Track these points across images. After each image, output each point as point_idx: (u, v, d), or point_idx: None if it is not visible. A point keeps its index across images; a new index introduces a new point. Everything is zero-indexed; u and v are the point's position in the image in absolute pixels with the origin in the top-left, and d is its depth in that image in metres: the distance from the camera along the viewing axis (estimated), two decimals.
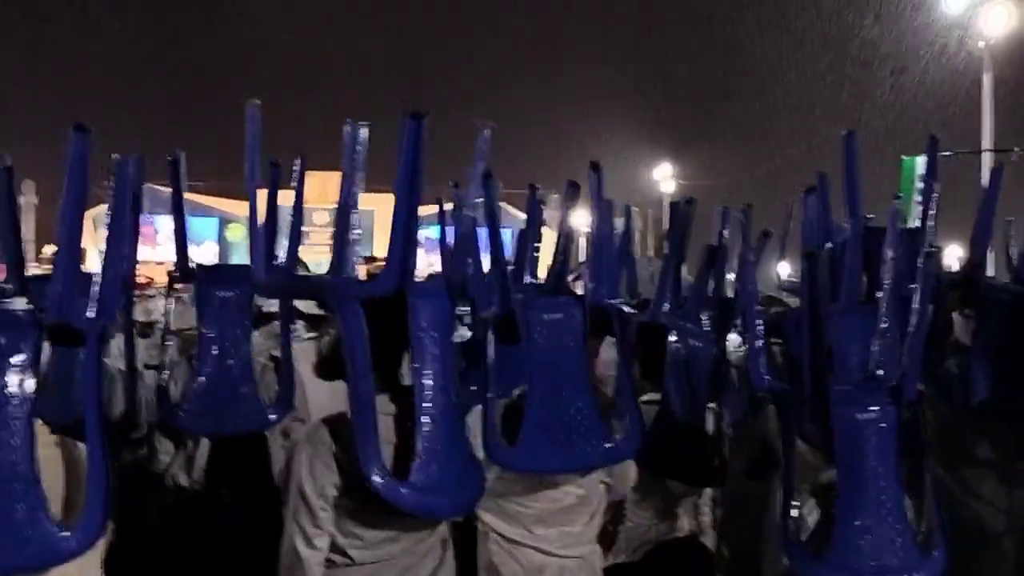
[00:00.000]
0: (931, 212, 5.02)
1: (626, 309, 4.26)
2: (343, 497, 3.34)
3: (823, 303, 3.56)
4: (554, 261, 4.38)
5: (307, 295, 4.62)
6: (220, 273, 4.54)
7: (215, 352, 4.38)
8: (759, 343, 3.76)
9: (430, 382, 3.31)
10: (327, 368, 4.63)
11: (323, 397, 4.65)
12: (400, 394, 3.37)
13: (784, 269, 5.66)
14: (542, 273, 4.74)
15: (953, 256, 5.69)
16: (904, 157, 18.13)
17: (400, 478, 3.23)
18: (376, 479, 3.17)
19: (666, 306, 4.71)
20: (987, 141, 24.38)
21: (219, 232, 39.06)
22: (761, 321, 3.84)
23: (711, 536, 4.71)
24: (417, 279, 3.54)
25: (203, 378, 4.35)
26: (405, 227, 3.38)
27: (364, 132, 3.38)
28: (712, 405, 4.61)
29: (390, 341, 3.33)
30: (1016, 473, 4.84)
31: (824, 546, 3.30)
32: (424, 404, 3.29)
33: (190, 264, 4.59)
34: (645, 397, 4.48)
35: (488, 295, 3.84)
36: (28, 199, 35.21)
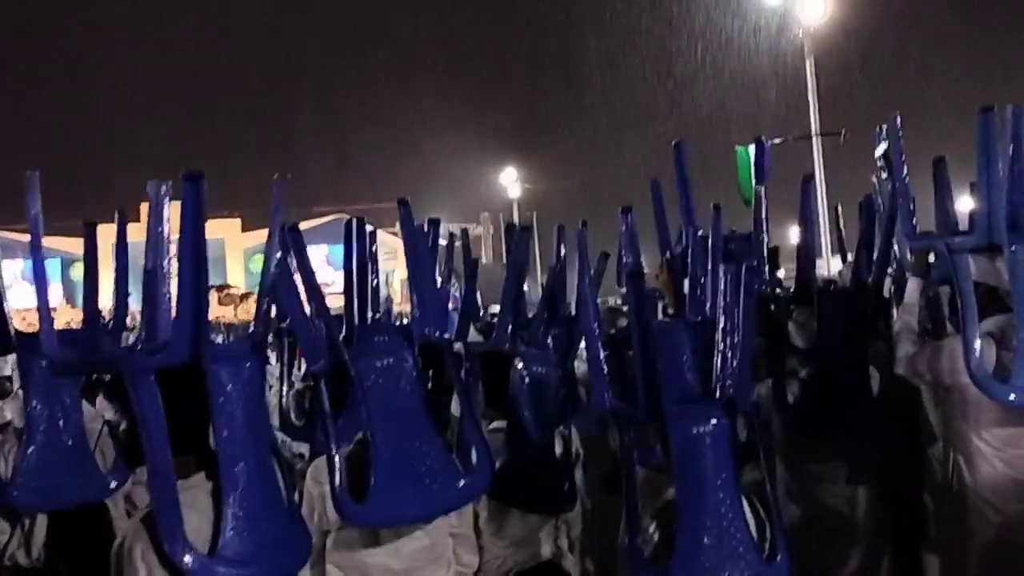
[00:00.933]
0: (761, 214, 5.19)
1: (458, 341, 4.23)
2: None
3: (650, 321, 3.60)
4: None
5: (101, 370, 4.34)
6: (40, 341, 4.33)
7: (44, 423, 4.19)
8: (599, 363, 3.77)
9: (235, 450, 3.11)
10: (134, 454, 4.19)
11: None
12: (215, 468, 3.14)
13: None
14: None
15: (796, 237, 5.89)
16: (738, 147, 18.58)
17: (213, 554, 3.04)
18: (186, 561, 2.97)
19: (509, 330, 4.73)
20: (813, 124, 25.36)
21: (62, 273, 37.83)
22: (601, 341, 3.85)
23: (571, 558, 4.72)
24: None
25: (33, 451, 4.16)
26: (193, 292, 3.13)
27: (166, 190, 3.22)
28: (560, 428, 4.63)
29: (195, 412, 3.10)
30: (856, 469, 5.04)
31: (669, 561, 3.30)
32: (230, 474, 3.09)
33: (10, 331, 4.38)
34: (492, 425, 4.48)
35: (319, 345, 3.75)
36: None
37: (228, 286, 34.05)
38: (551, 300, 4.88)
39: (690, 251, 4.49)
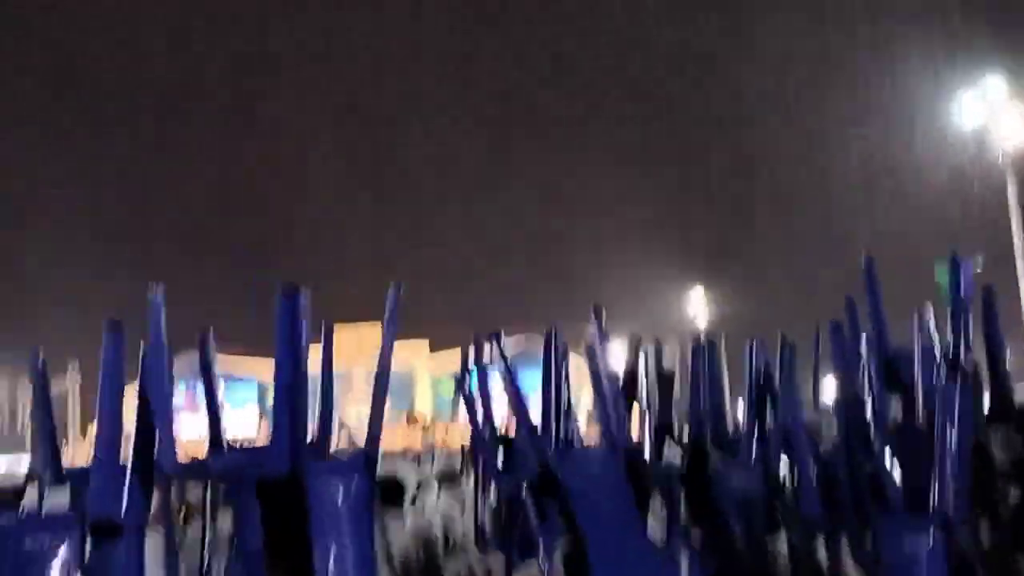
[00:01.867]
0: (964, 331, 5.04)
1: (668, 452, 4.23)
2: None
3: (860, 434, 3.56)
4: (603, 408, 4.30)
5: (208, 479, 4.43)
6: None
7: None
8: (808, 475, 3.73)
9: (333, 566, 2.96)
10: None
11: None
12: None
13: (825, 387, 5.66)
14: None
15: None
16: (938, 265, 17.99)
17: None
18: None
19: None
20: (1018, 249, 24.46)
21: (259, 397, 39.36)
22: (806, 452, 3.82)
23: None
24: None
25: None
26: (291, 404, 3.12)
27: (303, 300, 3.25)
28: (765, 537, 4.55)
29: (295, 526, 2.97)
30: None
31: None
32: None
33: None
34: (695, 534, 4.44)
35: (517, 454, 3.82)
36: (73, 379, 35.66)
37: (414, 412, 34.70)
38: (753, 414, 4.85)
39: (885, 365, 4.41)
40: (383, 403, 3.65)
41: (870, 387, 4.56)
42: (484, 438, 3.91)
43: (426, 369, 39.96)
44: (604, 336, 4.20)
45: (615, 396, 4.13)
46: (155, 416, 3.41)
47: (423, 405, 37.44)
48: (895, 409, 4.31)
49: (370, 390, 3.62)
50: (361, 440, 3.72)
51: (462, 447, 5.73)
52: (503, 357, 3.92)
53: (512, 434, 4.37)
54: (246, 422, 38.93)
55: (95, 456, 3.26)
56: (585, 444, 4.58)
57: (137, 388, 3.43)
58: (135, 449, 3.22)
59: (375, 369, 3.63)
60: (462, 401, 4.16)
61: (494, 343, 4.05)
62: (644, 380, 4.90)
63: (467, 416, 4.68)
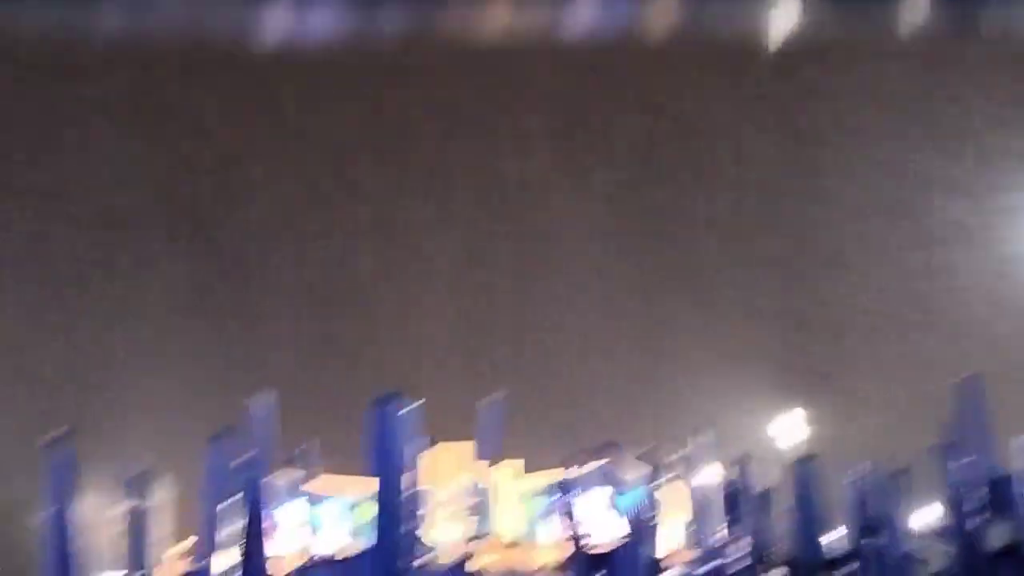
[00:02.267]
0: None
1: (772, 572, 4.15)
2: None
3: (970, 560, 3.47)
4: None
5: None
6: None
7: None
8: None
9: None
10: None
11: None
12: None
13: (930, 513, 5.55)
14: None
15: None
16: None
17: None
18: None
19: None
20: None
21: (345, 514, 39.06)
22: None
23: None
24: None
25: None
26: (390, 516, 3.07)
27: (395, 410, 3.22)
28: None
29: None
30: None
31: None
32: None
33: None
34: None
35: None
36: (168, 492, 36.03)
37: (500, 531, 34.30)
38: (858, 537, 4.74)
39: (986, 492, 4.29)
40: (475, 522, 3.64)
41: (976, 511, 4.45)
42: (583, 558, 3.86)
43: (514, 489, 39.32)
44: (710, 453, 4.18)
45: (718, 513, 4.08)
46: (252, 531, 3.45)
47: (510, 524, 36.89)
48: (1001, 533, 4.20)
49: (458, 509, 3.60)
50: (448, 558, 3.70)
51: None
52: (614, 471, 3.91)
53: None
54: (332, 541, 38.47)
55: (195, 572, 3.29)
56: (683, 560, 4.53)
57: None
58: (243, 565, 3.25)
59: (464, 488, 3.62)
60: (546, 520, 4.11)
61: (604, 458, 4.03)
62: (744, 499, 4.82)
63: (553, 535, 4.63)
